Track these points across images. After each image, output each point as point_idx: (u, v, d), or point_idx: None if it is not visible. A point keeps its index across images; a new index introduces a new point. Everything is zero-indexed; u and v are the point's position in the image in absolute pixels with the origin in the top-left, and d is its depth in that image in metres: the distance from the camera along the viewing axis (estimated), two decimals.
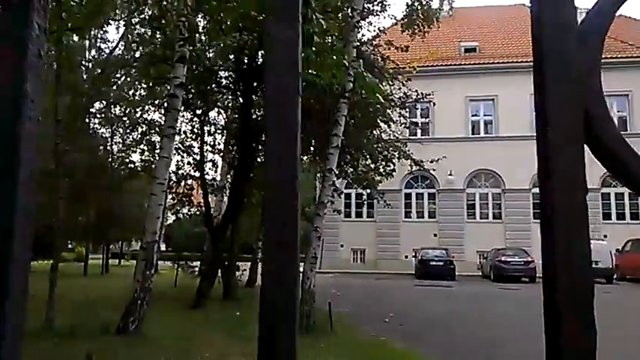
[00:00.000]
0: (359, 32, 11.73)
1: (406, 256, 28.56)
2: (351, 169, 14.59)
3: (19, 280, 0.53)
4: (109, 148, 24.64)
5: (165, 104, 10.62)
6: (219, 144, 15.93)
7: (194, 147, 14.95)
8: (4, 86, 0.54)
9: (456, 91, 28.75)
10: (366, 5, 12.67)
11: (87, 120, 20.31)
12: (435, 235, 28.84)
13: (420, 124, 28.70)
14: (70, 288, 13.10)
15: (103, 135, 24.44)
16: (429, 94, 15.49)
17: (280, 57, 0.55)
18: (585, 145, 0.54)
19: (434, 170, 19.11)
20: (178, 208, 17.88)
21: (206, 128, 14.88)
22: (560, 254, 0.50)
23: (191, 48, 8.29)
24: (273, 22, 0.56)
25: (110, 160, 24.15)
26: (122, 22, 17.12)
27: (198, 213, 18.35)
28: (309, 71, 7.97)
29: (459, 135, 29.20)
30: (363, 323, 9.69)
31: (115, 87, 18.70)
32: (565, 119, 0.52)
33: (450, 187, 28.94)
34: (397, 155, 14.82)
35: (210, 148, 15.36)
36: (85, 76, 17.85)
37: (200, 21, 11.75)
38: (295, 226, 0.53)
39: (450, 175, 28.16)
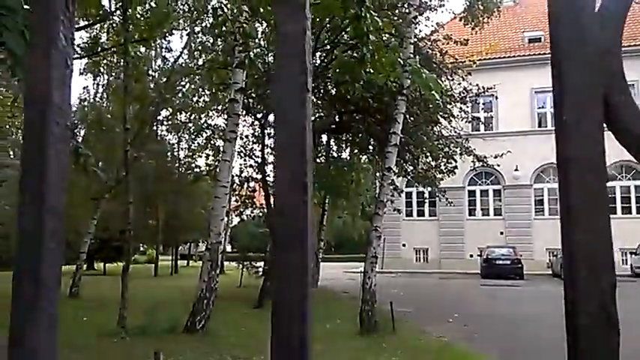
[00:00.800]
0: (416, 28, 11.54)
1: (471, 255, 27.83)
2: (411, 167, 14.37)
3: (50, 274, 0.56)
4: (175, 153, 25.59)
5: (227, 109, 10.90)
6: None
7: (255, 150, 15.26)
8: (32, 94, 0.57)
9: (521, 83, 27.71)
10: (423, 0, 12.46)
11: (155, 127, 21.13)
12: (502, 233, 27.92)
13: (482, 119, 27.85)
14: (142, 288, 13.68)
15: (170, 141, 25.38)
16: (491, 88, 15.00)
17: (288, 51, 0.54)
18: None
19: (498, 166, 18.47)
20: (242, 209, 18.34)
21: (267, 131, 15.13)
22: (580, 246, 0.46)
23: (245, 54, 8.45)
24: (280, 14, 0.54)
25: (177, 165, 25.08)
26: (185, 32, 17.69)
27: (261, 214, 18.72)
28: (366, 70, 7.93)
29: (525, 128, 28.11)
30: (426, 323, 9.52)
31: (180, 94, 19.34)
32: (582, 102, 0.48)
33: (516, 183, 27.91)
34: (459, 151, 14.45)
35: (271, 151, 15.60)
36: (152, 85, 18.56)
37: (259, 26, 11.95)
38: (305, 224, 0.52)
39: (516, 170, 27.19)
